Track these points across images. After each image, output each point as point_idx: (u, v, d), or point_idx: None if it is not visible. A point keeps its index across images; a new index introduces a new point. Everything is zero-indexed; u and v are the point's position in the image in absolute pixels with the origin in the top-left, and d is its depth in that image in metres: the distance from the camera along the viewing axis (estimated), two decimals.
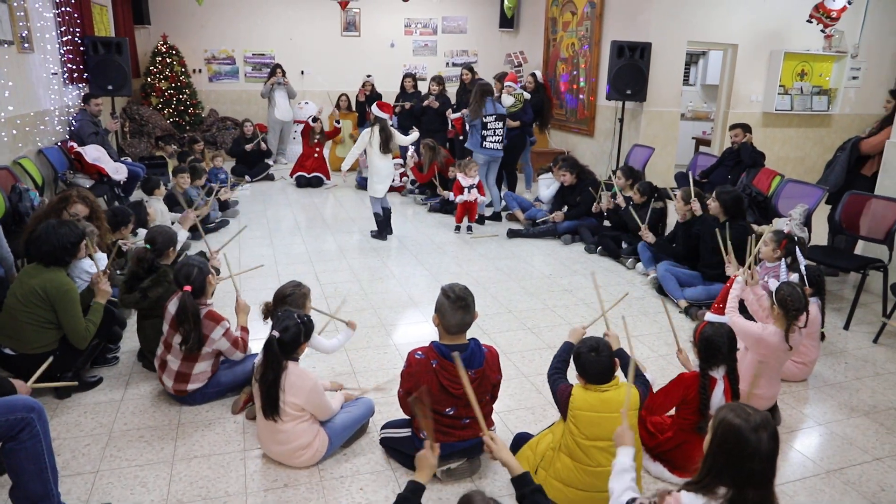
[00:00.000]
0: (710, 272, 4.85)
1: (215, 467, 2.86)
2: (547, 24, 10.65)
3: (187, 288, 3.14)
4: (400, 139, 6.64)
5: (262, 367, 2.77)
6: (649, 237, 5.54)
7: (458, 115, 8.60)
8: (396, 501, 2.09)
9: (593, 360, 2.50)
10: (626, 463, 2.17)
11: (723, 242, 4.03)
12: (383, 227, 6.60)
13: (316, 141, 9.01)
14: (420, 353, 2.69)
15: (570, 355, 2.77)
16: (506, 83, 7.89)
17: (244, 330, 3.45)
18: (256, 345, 3.72)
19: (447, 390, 2.62)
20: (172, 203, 6.27)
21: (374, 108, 6.35)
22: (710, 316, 3.00)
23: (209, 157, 8.45)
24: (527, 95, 7.92)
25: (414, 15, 11.70)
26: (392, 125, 10.17)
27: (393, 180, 8.73)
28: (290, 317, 2.82)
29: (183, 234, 4.93)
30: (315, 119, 9.03)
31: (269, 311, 3.30)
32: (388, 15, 11.54)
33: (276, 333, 2.76)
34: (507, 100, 7.72)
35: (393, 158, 8.84)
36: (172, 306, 3.24)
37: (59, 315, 3.20)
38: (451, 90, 9.58)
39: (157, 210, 5.75)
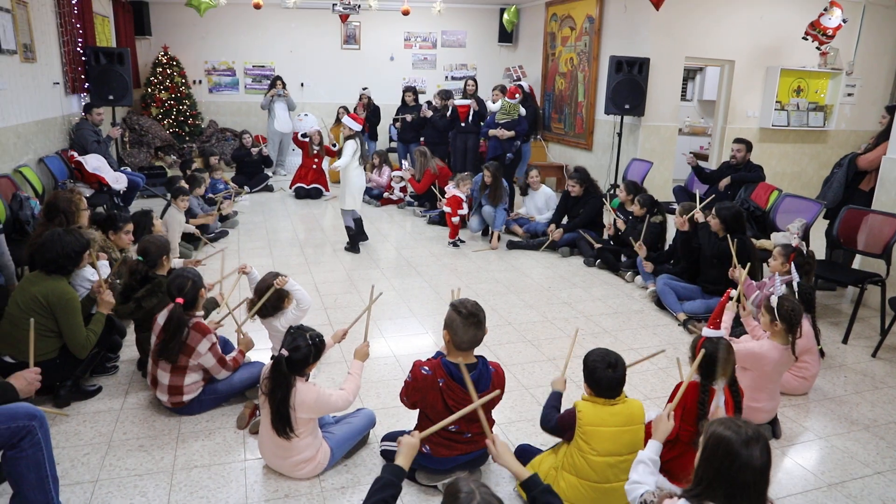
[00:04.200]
0: (710, 286, 4.85)
1: (216, 477, 2.85)
2: (546, 38, 10.73)
3: (179, 300, 3.16)
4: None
5: (270, 384, 2.72)
6: (643, 252, 5.55)
7: (465, 102, 8.63)
8: (381, 483, 2.05)
9: (610, 376, 2.49)
10: (645, 454, 2.20)
11: (734, 251, 4.29)
12: (357, 239, 6.52)
13: (315, 153, 9.02)
14: (427, 368, 2.63)
15: (559, 402, 2.78)
16: (493, 93, 7.97)
17: (241, 352, 3.51)
18: (255, 355, 3.74)
19: (451, 410, 2.58)
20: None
21: (351, 122, 6.16)
22: (706, 332, 3.00)
23: (215, 171, 8.29)
24: (522, 111, 7.92)
25: (414, 28, 11.79)
26: (391, 138, 10.22)
27: (392, 192, 8.80)
28: (303, 336, 2.74)
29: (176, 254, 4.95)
30: (304, 135, 9.01)
31: (252, 305, 3.44)
32: (387, 28, 11.62)
33: (284, 352, 2.69)
34: (494, 105, 7.82)
35: (392, 171, 8.91)
36: (161, 318, 3.24)
37: (60, 324, 3.19)
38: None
39: (171, 221, 5.57)
